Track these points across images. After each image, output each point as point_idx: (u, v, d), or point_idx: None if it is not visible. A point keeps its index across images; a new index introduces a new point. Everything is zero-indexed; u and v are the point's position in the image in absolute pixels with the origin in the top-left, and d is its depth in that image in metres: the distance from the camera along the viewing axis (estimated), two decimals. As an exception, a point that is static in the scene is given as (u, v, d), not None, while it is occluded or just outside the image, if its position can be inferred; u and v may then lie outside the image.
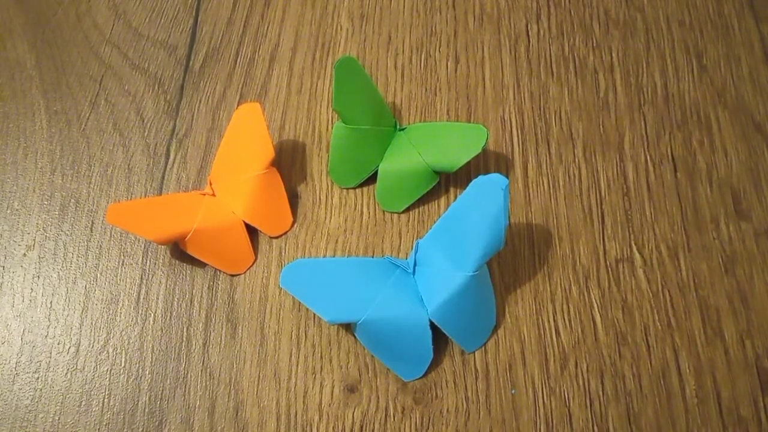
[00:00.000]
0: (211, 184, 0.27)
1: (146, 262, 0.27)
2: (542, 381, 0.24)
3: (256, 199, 0.27)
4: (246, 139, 0.27)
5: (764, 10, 0.32)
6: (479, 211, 0.22)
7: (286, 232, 0.28)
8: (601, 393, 0.24)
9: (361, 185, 0.29)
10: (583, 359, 0.25)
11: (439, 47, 0.32)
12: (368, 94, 0.27)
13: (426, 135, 0.28)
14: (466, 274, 0.23)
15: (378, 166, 0.28)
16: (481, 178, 0.23)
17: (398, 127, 0.28)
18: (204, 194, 0.27)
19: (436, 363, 0.25)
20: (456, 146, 0.27)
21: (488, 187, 0.22)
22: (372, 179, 0.28)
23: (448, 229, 0.24)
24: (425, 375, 0.24)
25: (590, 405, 0.24)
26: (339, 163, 0.28)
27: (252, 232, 0.27)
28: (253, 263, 0.27)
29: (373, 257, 0.26)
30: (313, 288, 0.23)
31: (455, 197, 0.28)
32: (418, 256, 0.25)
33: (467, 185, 0.23)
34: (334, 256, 0.27)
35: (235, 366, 0.25)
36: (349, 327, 0.25)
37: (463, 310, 0.24)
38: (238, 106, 0.31)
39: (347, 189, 0.29)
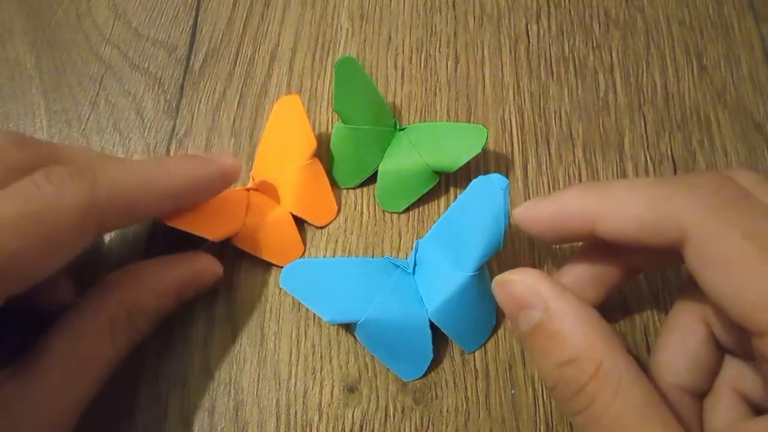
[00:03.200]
0: (254, 179, 0.28)
1: (146, 262, 0.27)
2: (542, 381, 0.24)
3: (301, 191, 0.27)
4: (287, 132, 0.28)
5: (764, 10, 0.32)
6: (479, 211, 0.22)
7: (331, 221, 0.28)
8: (601, 393, 0.24)
9: (361, 185, 0.29)
10: None
11: (439, 47, 0.32)
12: (368, 94, 0.27)
13: (426, 135, 0.28)
14: (465, 274, 0.23)
15: (378, 166, 0.28)
16: (480, 178, 0.23)
17: (398, 127, 0.28)
18: (248, 189, 0.27)
19: (436, 363, 0.25)
20: (456, 146, 0.27)
21: (488, 187, 0.22)
22: (372, 179, 0.28)
23: (448, 229, 0.24)
24: (425, 375, 0.24)
25: (590, 405, 0.24)
26: (339, 163, 0.28)
27: (298, 222, 0.27)
28: (303, 254, 0.27)
29: (373, 257, 0.26)
30: (312, 288, 0.23)
31: (455, 197, 0.28)
32: (418, 256, 0.25)
33: (467, 185, 0.23)
34: (334, 256, 0.27)
35: (235, 366, 0.25)
36: (349, 327, 0.25)
37: (462, 311, 0.24)
38: (238, 103, 0.31)
39: (347, 189, 0.29)
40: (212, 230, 0.24)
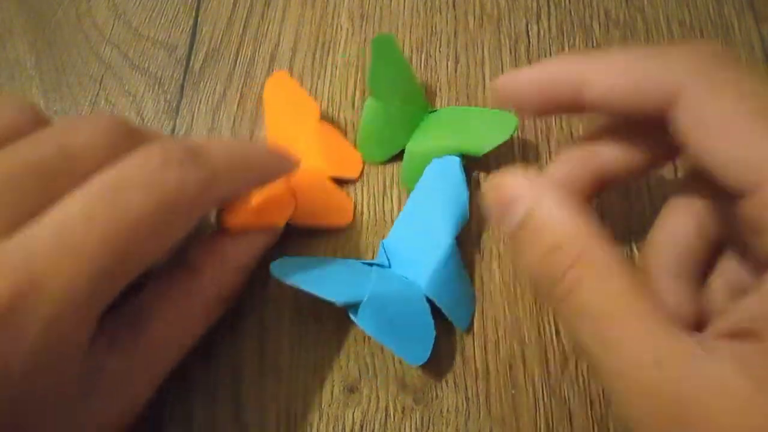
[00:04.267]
0: None
1: (146, 262, 0.27)
2: (542, 381, 0.24)
3: (325, 151, 0.28)
4: (287, 106, 0.28)
5: (764, 10, 0.32)
6: (440, 187, 0.25)
7: (362, 171, 0.28)
8: (601, 393, 0.24)
9: (366, 181, 0.28)
10: (584, 359, 0.25)
11: (439, 47, 0.32)
12: (402, 73, 0.28)
13: (455, 119, 0.28)
14: (447, 241, 0.24)
15: (405, 145, 0.28)
16: (435, 160, 0.25)
17: (429, 108, 0.29)
18: None
19: (436, 363, 0.25)
20: (484, 132, 0.27)
21: (443, 165, 0.25)
22: (398, 157, 0.28)
23: (414, 215, 0.25)
24: (426, 374, 0.24)
25: (590, 405, 0.24)
26: (368, 139, 0.28)
27: None
28: (354, 207, 0.28)
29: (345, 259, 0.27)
30: (308, 277, 0.23)
31: (455, 197, 0.28)
32: (389, 253, 0.25)
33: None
34: (333, 256, 0.27)
35: (235, 366, 0.25)
36: (349, 327, 0.25)
37: (451, 279, 0.24)
38: (238, 104, 0.31)
39: (347, 189, 0.29)
40: (277, 217, 0.25)
